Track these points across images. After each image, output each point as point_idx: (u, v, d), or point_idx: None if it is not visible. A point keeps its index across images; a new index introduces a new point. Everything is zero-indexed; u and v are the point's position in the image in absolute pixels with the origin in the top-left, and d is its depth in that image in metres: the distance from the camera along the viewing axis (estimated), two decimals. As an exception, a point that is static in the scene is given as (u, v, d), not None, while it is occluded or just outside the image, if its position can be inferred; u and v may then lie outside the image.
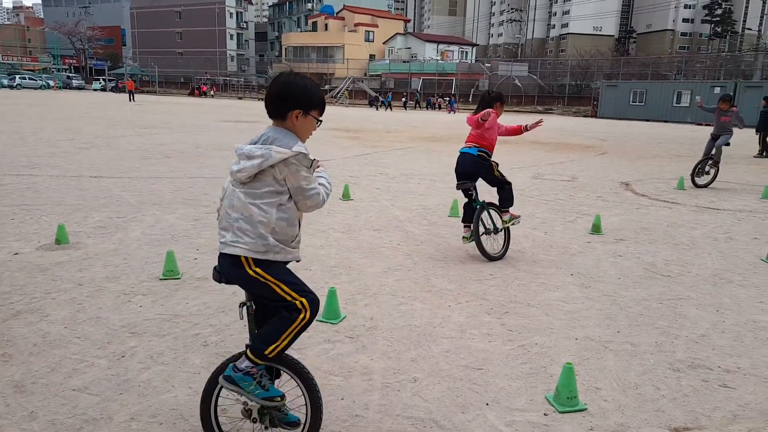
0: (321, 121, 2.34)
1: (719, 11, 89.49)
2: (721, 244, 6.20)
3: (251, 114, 31.10)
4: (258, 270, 2.20)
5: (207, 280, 4.44)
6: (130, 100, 41.86)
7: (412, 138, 19.04)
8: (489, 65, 67.61)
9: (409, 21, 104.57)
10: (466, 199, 5.46)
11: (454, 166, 5.43)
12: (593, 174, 11.58)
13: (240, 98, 63.61)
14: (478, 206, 5.29)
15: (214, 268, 2.31)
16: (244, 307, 2.34)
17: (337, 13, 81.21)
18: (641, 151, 17.27)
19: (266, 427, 2.36)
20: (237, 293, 4.16)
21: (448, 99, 50.99)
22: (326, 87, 66.44)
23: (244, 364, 2.25)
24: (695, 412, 2.83)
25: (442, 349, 3.42)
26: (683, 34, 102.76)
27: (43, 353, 3.18)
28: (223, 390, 2.34)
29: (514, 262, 5.25)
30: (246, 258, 2.18)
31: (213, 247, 5.33)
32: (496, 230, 5.43)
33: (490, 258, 5.27)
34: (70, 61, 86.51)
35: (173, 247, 4.96)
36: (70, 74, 76.06)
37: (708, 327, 3.90)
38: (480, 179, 5.39)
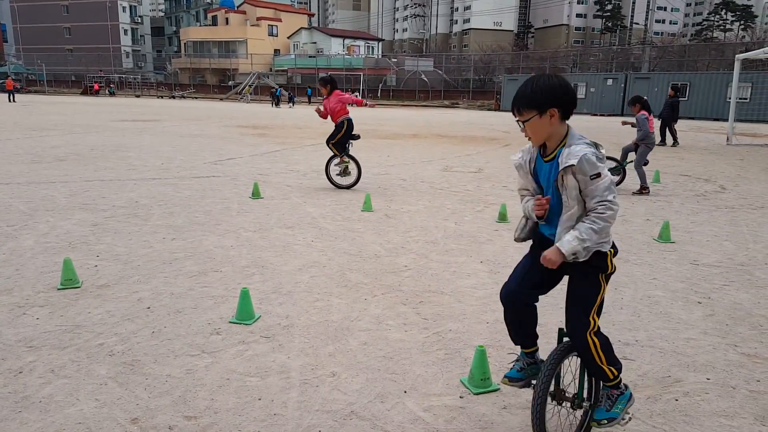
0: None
1: (609, 7, 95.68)
2: (617, 226, 6.56)
3: (150, 113, 29.65)
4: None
5: (109, 288, 4.26)
6: (10, 100, 38.14)
7: (322, 134, 18.97)
8: (395, 60, 68.54)
9: (313, 15, 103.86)
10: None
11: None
12: (498, 165, 12.10)
13: (138, 96, 60.41)
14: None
15: None
16: None
17: (237, 7, 79.04)
18: (541, 141, 18.17)
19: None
20: (142, 300, 4.04)
21: (274, 90, 47.77)
22: (230, 83, 64.57)
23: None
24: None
25: (360, 342, 3.48)
26: (577, 28, 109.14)
27: (-73, 376, 2.95)
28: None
29: (427, 253, 5.41)
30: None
31: (114, 253, 5.11)
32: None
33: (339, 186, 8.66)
34: (-56, 60, 78.35)
35: (71, 255, 4.72)
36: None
37: (607, 304, 4.09)
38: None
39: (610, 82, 39.38)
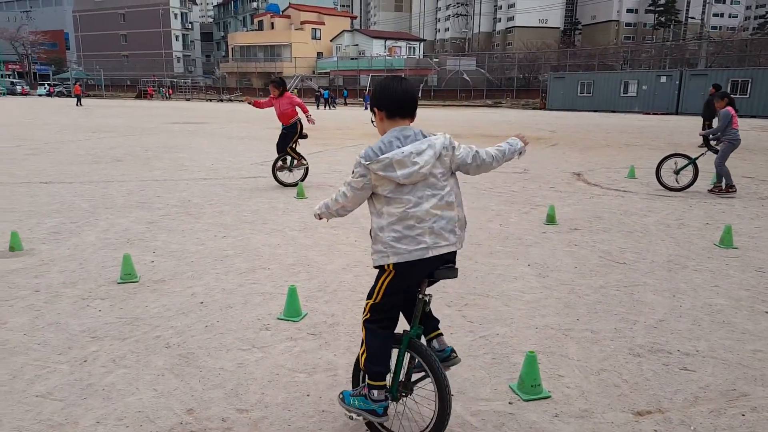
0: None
1: (663, 1, 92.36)
2: (674, 231, 6.38)
3: (199, 116, 30.55)
4: None
5: (165, 283, 4.46)
6: (77, 104, 40.70)
7: (363, 135, 19.14)
8: (437, 60, 68.27)
9: (355, 18, 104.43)
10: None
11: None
12: (545, 165, 11.88)
13: (188, 99, 62.22)
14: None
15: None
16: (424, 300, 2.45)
17: (282, 12, 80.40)
18: (591, 141, 17.70)
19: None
20: (196, 295, 4.22)
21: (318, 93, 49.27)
22: (277, 86, 65.63)
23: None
24: (657, 396, 2.91)
25: (405, 343, 3.52)
26: (628, 24, 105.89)
27: (4, 360, 3.17)
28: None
29: (471, 255, 5.36)
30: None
31: (169, 250, 5.34)
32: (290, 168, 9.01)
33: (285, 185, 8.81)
34: (14, 66, 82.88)
35: (129, 251, 4.95)
36: (14, 80, 73.09)
37: (665, 312, 4.02)
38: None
39: (663, 79, 38.08)
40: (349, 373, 3.09)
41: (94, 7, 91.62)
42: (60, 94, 63.71)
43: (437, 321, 2.69)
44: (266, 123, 24.63)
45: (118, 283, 4.42)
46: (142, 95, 63.52)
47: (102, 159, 11.77)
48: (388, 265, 2.33)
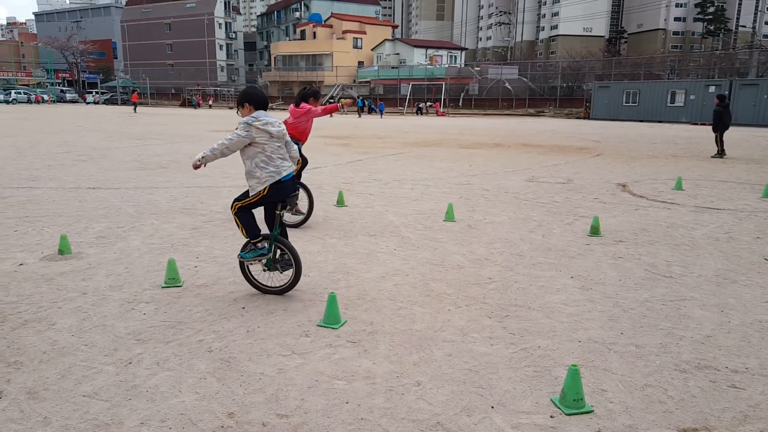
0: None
1: (712, 9, 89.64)
2: (722, 244, 6.15)
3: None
4: None
5: (208, 288, 4.54)
6: (135, 111, 42.80)
7: (403, 144, 19.18)
8: (478, 69, 67.97)
9: (397, 27, 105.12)
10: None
11: None
12: (589, 176, 11.63)
13: (231, 108, 63.58)
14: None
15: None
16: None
17: (324, 21, 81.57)
18: (636, 151, 17.27)
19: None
20: (238, 300, 4.28)
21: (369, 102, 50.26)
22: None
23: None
24: (704, 413, 2.82)
25: (444, 353, 3.44)
26: (675, 33, 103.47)
27: (53, 361, 3.27)
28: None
29: (512, 266, 5.27)
30: None
31: (212, 255, 5.43)
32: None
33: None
34: (64, 74, 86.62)
35: (173, 256, 5.05)
36: (64, 88, 76.55)
37: (713, 327, 3.88)
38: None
39: (712, 89, 36.88)
40: (389, 381, 3.11)
41: (141, 17, 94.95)
42: (108, 102, 66.33)
43: (282, 224, 4.45)
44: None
45: (162, 287, 4.52)
46: (186, 103, 65.10)
47: (147, 165, 12.12)
48: (265, 189, 4.10)
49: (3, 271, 4.87)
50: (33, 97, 64.03)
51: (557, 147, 18.57)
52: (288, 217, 6.67)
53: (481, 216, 7.51)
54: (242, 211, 4.21)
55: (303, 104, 6.65)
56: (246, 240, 4.31)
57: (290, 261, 4.27)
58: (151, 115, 39.35)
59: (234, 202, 4.26)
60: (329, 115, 44.32)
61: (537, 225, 7.04)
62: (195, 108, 60.61)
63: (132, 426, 2.66)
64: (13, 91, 63.70)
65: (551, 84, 59.86)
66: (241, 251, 4.32)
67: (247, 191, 4.19)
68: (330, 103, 55.00)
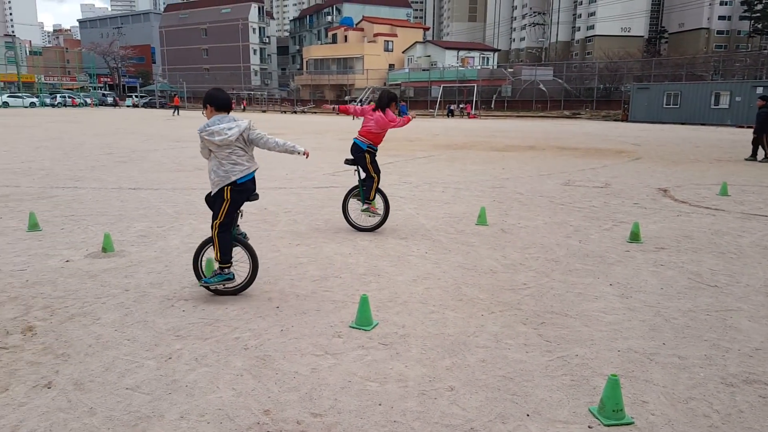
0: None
1: (759, 6, 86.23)
2: None
3: (275, 126, 31.58)
4: None
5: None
6: (173, 114, 44.61)
7: (434, 146, 19.15)
8: (512, 70, 67.32)
9: (428, 29, 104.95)
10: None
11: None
12: (628, 180, 11.36)
13: (264, 111, 64.51)
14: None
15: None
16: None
17: (356, 25, 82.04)
18: (678, 155, 16.76)
19: None
20: (272, 300, 4.37)
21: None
22: (346, 98, 66.93)
23: None
24: (752, 429, 2.73)
25: (478, 359, 3.43)
26: (719, 32, 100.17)
27: (98, 354, 3.41)
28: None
29: (548, 272, 5.21)
30: None
31: (245, 256, 5.52)
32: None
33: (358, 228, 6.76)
34: (105, 79, 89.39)
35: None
36: (105, 92, 79.16)
37: (762, 340, 3.76)
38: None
39: (760, 90, 35.55)
40: (421, 385, 3.13)
41: (179, 22, 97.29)
42: (147, 105, 68.34)
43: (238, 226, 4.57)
44: (338, 134, 25.17)
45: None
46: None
47: (185, 167, 12.42)
48: (227, 196, 4.26)
49: (51, 267, 5.08)
50: (88, 101, 67.05)
51: (594, 150, 18.25)
52: (364, 220, 6.80)
53: (514, 220, 7.46)
54: (222, 229, 4.27)
55: (388, 111, 6.64)
56: (199, 267, 4.51)
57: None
58: (188, 119, 40.19)
59: (213, 221, 4.31)
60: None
61: (574, 230, 6.95)
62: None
63: (172, 419, 2.75)
64: (58, 95, 66.40)
65: (587, 85, 58.79)
66: (206, 277, 4.42)
67: (217, 208, 4.30)
68: (356, 105, 55.21)
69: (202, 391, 3.02)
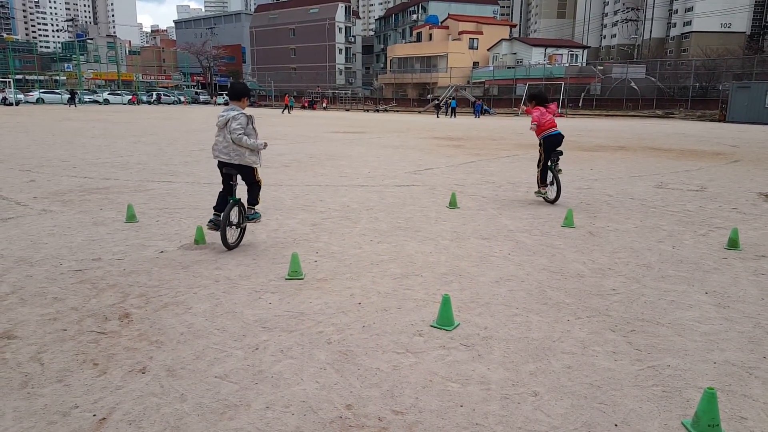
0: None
1: None
2: None
3: (359, 125, 32.04)
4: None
5: (327, 282, 4.72)
6: (283, 112, 47.69)
7: (517, 145, 18.70)
8: (602, 68, 64.52)
9: (515, 26, 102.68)
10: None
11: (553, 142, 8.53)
12: (725, 183, 10.66)
13: (347, 110, 65.64)
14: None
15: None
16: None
17: (441, 23, 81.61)
18: (780, 158, 15.58)
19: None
20: (354, 296, 4.41)
21: (472, 102, 49.95)
22: (428, 96, 66.72)
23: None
24: None
25: (563, 365, 3.33)
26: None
27: (189, 342, 3.57)
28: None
29: (638, 277, 4.97)
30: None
31: (330, 251, 5.65)
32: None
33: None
34: (198, 78, 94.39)
35: (296, 250, 5.32)
36: (198, 90, 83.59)
37: None
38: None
39: None
40: (504, 388, 3.06)
41: (268, 23, 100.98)
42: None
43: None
44: (420, 132, 25.16)
45: (286, 279, 4.77)
46: (307, 106, 68.16)
47: (272, 164, 12.83)
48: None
49: (146, 257, 5.40)
50: (182, 98, 71.48)
51: (689, 151, 17.17)
52: (550, 193, 8.42)
53: (603, 223, 7.14)
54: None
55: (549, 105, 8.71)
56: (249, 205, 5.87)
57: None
58: (275, 117, 41.63)
59: (257, 179, 5.89)
60: (451, 116, 45.53)
61: (667, 235, 6.57)
62: (311, 110, 63.81)
63: (258, 409, 2.83)
64: (154, 93, 70.93)
65: (682, 84, 55.36)
66: (247, 214, 5.80)
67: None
68: (441, 104, 55.07)
69: (287, 382, 3.08)
